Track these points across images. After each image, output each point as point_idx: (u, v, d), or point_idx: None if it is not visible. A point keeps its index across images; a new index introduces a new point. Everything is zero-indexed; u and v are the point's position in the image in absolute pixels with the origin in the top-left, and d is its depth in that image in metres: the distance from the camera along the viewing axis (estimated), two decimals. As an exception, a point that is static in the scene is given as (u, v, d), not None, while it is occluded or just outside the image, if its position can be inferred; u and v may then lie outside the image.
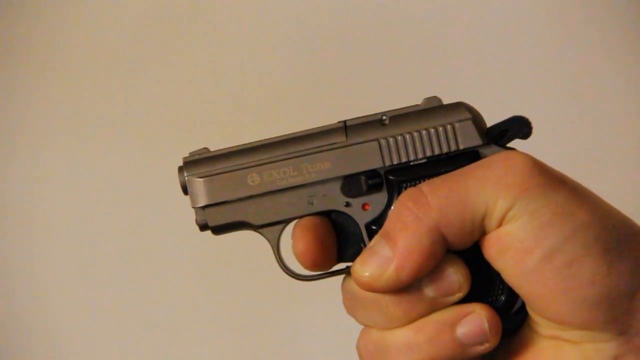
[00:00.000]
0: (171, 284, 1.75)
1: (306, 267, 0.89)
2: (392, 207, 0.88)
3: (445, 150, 0.89)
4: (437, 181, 0.84)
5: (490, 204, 0.82)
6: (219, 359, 1.77)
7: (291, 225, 0.90)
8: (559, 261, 0.80)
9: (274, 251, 0.91)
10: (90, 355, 1.75)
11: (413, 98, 0.93)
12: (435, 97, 0.90)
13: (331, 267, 0.90)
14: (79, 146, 1.73)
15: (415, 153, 0.89)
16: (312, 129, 0.90)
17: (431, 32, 1.74)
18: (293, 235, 0.89)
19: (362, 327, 0.89)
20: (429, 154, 0.89)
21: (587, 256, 0.80)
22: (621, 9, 1.72)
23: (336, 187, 0.89)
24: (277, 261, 0.91)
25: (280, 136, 0.90)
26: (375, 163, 0.89)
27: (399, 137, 0.89)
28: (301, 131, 0.90)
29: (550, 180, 0.82)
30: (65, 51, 1.72)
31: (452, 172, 0.85)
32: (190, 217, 0.92)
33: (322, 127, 0.90)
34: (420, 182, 0.87)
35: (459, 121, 0.89)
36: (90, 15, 1.72)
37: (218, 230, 0.90)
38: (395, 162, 0.89)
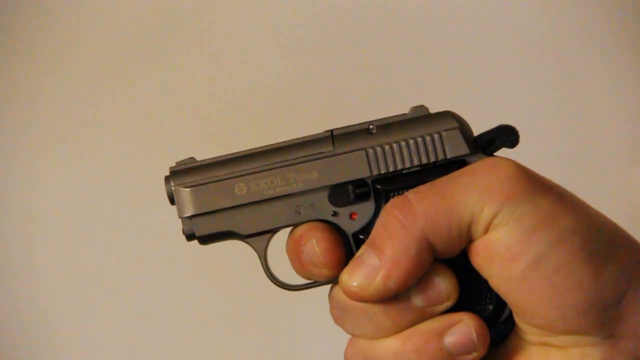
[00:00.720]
0: (169, 285, 1.75)
1: (329, 266, 0.87)
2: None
3: (432, 159, 0.88)
4: (422, 189, 0.84)
5: (477, 211, 0.81)
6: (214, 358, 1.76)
7: (278, 235, 0.90)
8: (546, 267, 0.79)
9: (261, 261, 0.90)
10: (89, 355, 1.75)
11: (401, 106, 0.93)
12: (422, 105, 0.90)
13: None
14: (78, 147, 1.74)
15: (403, 162, 0.88)
16: (299, 138, 0.90)
17: (419, 40, 1.74)
18: (310, 238, 0.87)
19: (350, 336, 0.89)
20: (416, 163, 0.88)
21: (574, 262, 0.79)
22: (613, 10, 1.72)
23: (323, 196, 0.89)
24: (265, 271, 0.91)
25: (267, 145, 0.90)
26: (362, 172, 0.89)
27: (386, 147, 0.88)
28: (288, 140, 0.90)
29: (536, 186, 0.82)
30: (65, 53, 1.73)
31: (438, 180, 0.84)
32: (185, 221, 0.91)
33: (309, 136, 0.89)
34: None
35: (446, 130, 0.88)
36: (85, 19, 1.73)
37: (205, 240, 0.89)
38: (383, 171, 0.88)
